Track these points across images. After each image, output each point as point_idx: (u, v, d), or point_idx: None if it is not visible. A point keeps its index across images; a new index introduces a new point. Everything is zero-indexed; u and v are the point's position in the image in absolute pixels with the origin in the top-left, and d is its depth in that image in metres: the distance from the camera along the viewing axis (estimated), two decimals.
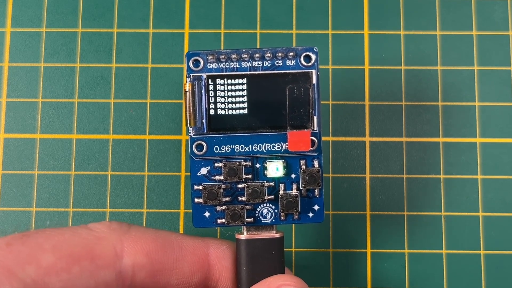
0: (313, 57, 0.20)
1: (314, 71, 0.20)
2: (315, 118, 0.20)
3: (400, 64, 0.27)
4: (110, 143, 0.27)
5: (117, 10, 0.27)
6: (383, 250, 0.26)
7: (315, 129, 0.20)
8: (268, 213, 0.21)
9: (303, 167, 0.20)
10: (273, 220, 0.20)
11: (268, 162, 0.20)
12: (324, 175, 0.20)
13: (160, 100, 0.27)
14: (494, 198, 0.26)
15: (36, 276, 0.17)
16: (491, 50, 0.27)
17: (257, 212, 0.20)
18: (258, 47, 0.27)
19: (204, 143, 0.20)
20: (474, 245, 0.26)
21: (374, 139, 0.26)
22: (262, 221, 0.20)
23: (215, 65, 0.20)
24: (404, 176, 0.26)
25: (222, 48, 0.27)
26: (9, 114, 0.27)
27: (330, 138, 0.26)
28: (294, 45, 0.27)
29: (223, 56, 0.20)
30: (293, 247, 0.26)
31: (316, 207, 0.21)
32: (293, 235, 0.26)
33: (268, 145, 0.20)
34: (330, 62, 0.27)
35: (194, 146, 0.20)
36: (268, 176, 0.21)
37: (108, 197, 0.26)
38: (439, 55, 0.27)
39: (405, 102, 0.27)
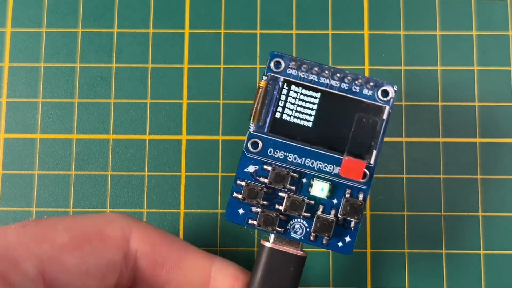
0: (391, 93, 0.20)
1: (387, 107, 0.20)
2: (374, 152, 0.20)
3: (400, 64, 0.27)
4: (110, 143, 0.27)
5: (117, 10, 0.27)
6: (383, 250, 0.26)
7: (371, 163, 0.20)
8: (299, 229, 0.20)
9: (347, 195, 0.20)
10: (302, 238, 0.20)
11: (315, 180, 0.20)
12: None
13: (160, 100, 0.27)
14: (494, 198, 0.26)
15: (51, 252, 0.18)
16: (491, 50, 0.27)
17: (289, 224, 0.20)
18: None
19: (260, 142, 0.20)
20: (474, 245, 0.26)
21: None
22: (291, 235, 0.20)
23: (294, 72, 0.20)
24: (404, 176, 0.26)
25: (222, 47, 0.27)
26: (9, 114, 0.27)
27: None
28: (294, 46, 0.27)
29: (305, 66, 0.20)
30: None
31: (347, 239, 0.20)
32: None
33: (320, 164, 0.20)
34: (330, 62, 0.27)
35: (250, 142, 0.20)
36: (311, 194, 0.20)
37: (108, 197, 0.26)
38: (439, 55, 0.27)
39: (405, 102, 0.27)
